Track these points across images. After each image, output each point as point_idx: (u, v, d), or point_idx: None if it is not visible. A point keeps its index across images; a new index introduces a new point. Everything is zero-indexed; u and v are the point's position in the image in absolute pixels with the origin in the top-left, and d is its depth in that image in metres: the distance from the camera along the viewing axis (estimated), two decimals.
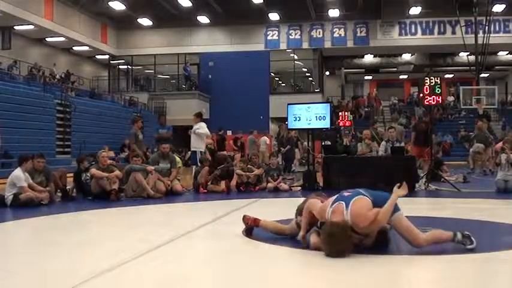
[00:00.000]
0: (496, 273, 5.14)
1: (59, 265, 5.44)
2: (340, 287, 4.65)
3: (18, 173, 11.24)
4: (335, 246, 5.28)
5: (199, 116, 16.21)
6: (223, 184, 14.43)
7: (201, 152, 15.70)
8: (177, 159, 14.89)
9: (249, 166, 14.74)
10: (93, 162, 13.36)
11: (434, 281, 4.89)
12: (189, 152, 16.20)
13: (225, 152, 21.56)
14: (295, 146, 22.58)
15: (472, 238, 5.66)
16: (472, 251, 5.52)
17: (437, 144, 20.28)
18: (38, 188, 11.35)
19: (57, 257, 5.86)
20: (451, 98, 43.93)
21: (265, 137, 27.54)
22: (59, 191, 12.49)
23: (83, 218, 9.65)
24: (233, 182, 14.54)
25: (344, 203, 5.47)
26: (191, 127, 16.22)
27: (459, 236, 5.66)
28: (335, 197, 5.70)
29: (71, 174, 13.67)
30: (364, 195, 5.56)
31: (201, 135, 15.85)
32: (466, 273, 5.04)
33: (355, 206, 5.40)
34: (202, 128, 15.88)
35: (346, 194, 5.65)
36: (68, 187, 12.86)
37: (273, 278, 4.87)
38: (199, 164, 15.28)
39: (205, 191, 14.05)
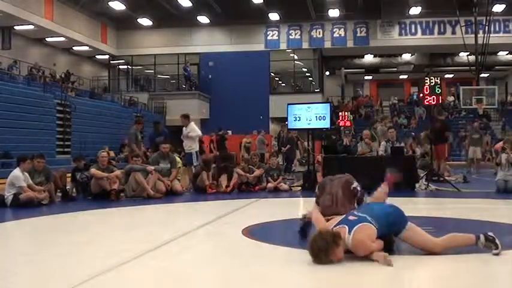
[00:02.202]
0: (497, 273, 5.13)
1: (59, 265, 5.44)
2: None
3: (17, 173, 11.25)
4: (317, 253, 5.12)
5: (187, 118, 16.07)
6: (223, 182, 14.49)
7: (196, 152, 15.67)
8: (177, 159, 14.90)
9: (249, 166, 14.75)
10: (91, 163, 13.43)
11: (434, 280, 4.88)
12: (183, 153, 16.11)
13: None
14: (295, 146, 22.56)
15: (497, 241, 5.42)
16: (472, 251, 5.47)
17: None
18: (37, 188, 11.36)
19: (57, 257, 5.86)
20: (451, 98, 43.91)
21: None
22: (59, 191, 12.50)
23: (83, 218, 9.66)
24: (233, 182, 14.55)
25: (347, 228, 5.30)
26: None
27: (482, 239, 5.44)
28: (339, 219, 5.57)
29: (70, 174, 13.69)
30: (370, 222, 5.35)
31: (194, 138, 15.77)
32: (467, 273, 5.03)
33: (358, 235, 5.21)
34: (194, 130, 15.80)
35: (351, 218, 5.46)
36: (67, 187, 12.87)
37: (273, 278, 4.87)
38: (194, 163, 15.27)
39: (213, 190, 14.04)
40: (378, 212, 5.53)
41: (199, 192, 14.07)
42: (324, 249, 5.05)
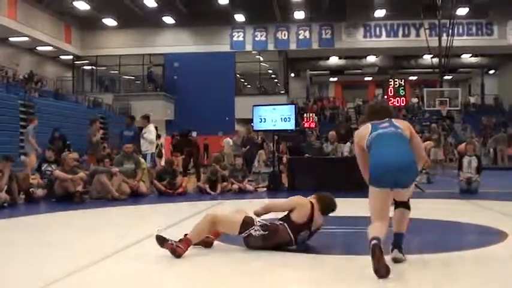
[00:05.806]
0: (458, 272, 5.19)
1: (22, 268, 5.34)
2: None
3: None
4: None
5: (146, 118, 16.12)
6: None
7: (151, 154, 15.66)
8: (142, 160, 14.81)
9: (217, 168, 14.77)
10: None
11: (402, 280, 4.89)
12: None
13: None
14: (259, 147, 22.53)
15: None
16: (439, 249, 5.47)
17: None
18: None
19: (20, 259, 5.76)
20: (415, 100, 44.36)
21: (229, 139, 27.35)
22: (22, 193, 12.34)
23: (47, 220, 9.55)
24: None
25: None
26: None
27: None
28: None
29: (34, 176, 13.50)
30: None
31: (147, 140, 15.77)
32: (430, 273, 5.06)
33: None
34: (149, 132, 15.81)
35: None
36: (31, 189, 12.69)
37: (237, 278, 4.87)
38: (148, 165, 15.20)
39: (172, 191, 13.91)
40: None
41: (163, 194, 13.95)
42: None
